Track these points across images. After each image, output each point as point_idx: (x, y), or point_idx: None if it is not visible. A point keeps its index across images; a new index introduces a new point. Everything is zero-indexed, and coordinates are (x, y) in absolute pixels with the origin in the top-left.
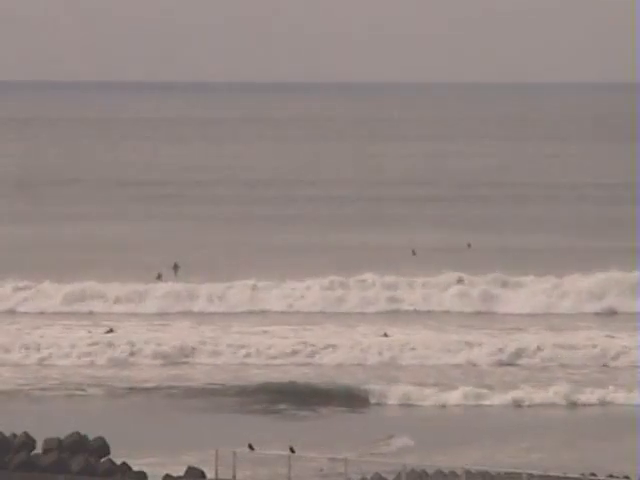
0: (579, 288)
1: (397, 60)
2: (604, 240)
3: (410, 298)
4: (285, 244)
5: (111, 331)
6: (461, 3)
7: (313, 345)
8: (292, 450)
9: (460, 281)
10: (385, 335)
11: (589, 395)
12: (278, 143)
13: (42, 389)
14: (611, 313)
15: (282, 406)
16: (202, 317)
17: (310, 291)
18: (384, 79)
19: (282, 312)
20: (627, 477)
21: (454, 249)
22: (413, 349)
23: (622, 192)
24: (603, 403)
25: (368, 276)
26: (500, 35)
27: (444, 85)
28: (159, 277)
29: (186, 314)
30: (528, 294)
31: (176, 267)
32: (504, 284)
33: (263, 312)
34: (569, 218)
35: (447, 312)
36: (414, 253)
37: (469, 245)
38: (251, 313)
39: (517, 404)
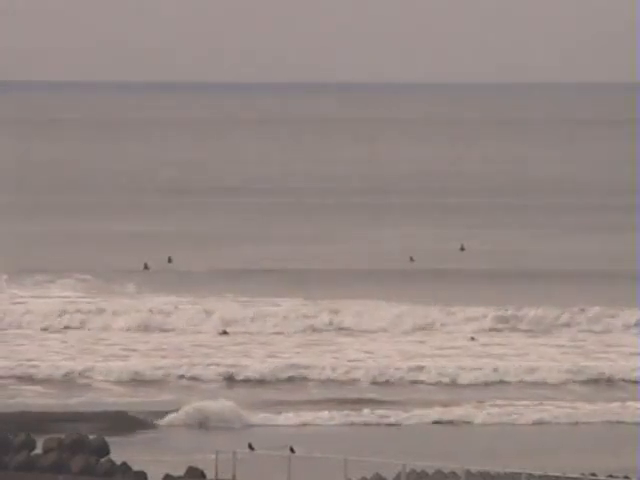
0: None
1: (395, 60)
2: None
3: None
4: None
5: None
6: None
7: None
8: (292, 450)
9: None
10: None
11: None
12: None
13: None
14: None
15: None
16: None
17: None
18: (383, 79)
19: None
20: (627, 477)
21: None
22: None
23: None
24: None
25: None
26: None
27: (442, 85)
28: (145, 267)
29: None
30: None
31: (170, 259)
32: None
33: None
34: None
35: None
36: (412, 259)
37: (462, 248)
38: None
39: None
